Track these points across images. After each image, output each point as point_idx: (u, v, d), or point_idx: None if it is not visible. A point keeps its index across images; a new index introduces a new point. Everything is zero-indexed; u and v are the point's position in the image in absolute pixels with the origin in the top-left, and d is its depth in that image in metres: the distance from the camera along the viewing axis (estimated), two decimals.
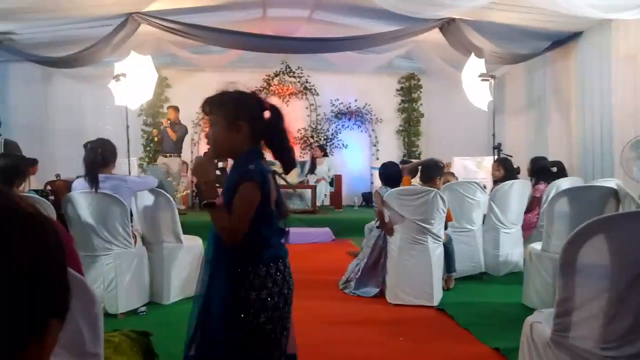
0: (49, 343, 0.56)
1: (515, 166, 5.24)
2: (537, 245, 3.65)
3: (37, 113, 7.91)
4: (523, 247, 4.60)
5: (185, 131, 7.61)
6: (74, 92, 8.19)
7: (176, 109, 7.62)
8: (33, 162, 4.70)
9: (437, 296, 3.67)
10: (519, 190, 4.65)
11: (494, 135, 6.61)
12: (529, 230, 4.88)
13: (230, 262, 1.50)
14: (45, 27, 6.41)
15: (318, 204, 7.83)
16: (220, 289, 1.51)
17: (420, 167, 4.41)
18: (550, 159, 5.71)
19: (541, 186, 4.97)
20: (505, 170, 4.97)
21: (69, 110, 8.08)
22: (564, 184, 4.96)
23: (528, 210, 4.80)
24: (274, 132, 1.57)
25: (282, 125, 1.59)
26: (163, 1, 5.95)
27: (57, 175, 5.92)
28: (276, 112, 1.58)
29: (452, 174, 5.69)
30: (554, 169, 5.11)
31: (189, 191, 8.41)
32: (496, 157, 6.00)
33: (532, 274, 3.54)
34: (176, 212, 3.81)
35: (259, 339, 1.47)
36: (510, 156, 5.60)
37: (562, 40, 6.84)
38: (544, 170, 5.12)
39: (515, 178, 4.87)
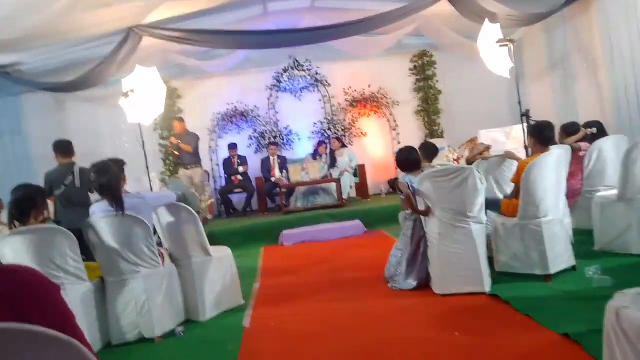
0: None
1: None
2: None
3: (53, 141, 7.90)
4: (570, 216, 4.30)
5: (197, 139, 7.48)
6: (87, 115, 8.14)
7: (181, 120, 7.59)
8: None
9: (487, 281, 3.40)
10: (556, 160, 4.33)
11: (519, 102, 6.26)
12: (574, 197, 4.58)
13: None
14: (50, 54, 6.36)
15: (344, 196, 7.63)
16: None
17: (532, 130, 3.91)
18: (582, 120, 5.36)
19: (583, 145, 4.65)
20: None
21: (84, 133, 7.98)
22: (606, 144, 4.63)
23: (570, 177, 4.49)
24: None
25: None
26: (160, 10, 5.81)
27: None
28: None
29: (483, 144, 5.32)
30: (594, 130, 4.77)
31: (213, 200, 8.30)
32: (525, 124, 5.66)
33: None
34: (200, 224, 3.64)
35: None
36: None
37: None
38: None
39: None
